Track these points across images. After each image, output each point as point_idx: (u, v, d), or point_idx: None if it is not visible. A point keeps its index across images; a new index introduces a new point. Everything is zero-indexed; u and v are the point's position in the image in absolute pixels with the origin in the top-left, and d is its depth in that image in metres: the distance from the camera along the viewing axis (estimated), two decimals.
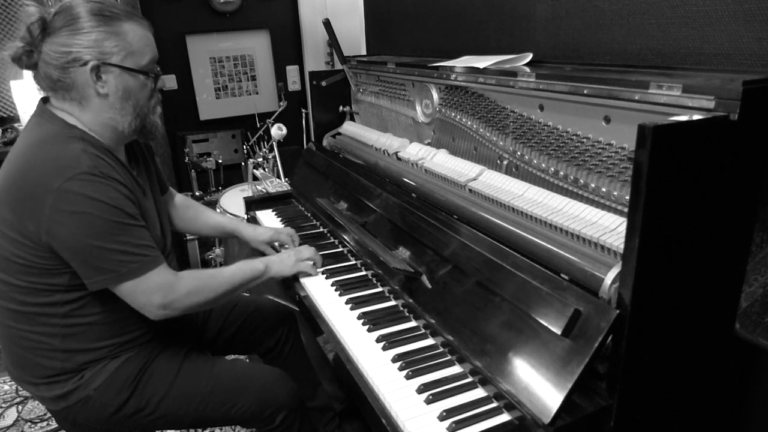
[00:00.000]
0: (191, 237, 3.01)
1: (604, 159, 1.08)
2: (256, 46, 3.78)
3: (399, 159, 1.73)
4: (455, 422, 0.97)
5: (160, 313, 1.22)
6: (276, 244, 1.74)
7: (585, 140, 1.12)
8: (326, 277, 1.53)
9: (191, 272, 1.31)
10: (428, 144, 1.69)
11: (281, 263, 1.49)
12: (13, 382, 2.41)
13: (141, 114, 1.26)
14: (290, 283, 1.56)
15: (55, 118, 1.21)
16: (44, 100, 1.25)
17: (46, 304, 1.21)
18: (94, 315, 1.25)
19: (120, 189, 1.17)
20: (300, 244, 1.71)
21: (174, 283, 1.23)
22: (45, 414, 2.23)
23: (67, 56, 1.15)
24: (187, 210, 1.70)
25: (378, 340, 1.23)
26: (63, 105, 1.21)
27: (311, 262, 1.55)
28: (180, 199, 1.71)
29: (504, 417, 0.99)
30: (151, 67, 1.25)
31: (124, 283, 1.17)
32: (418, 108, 1.74)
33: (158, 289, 1.20)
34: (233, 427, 2.06)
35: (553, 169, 1.21)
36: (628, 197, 0.85)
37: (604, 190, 1.08)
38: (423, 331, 1.26)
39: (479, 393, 1.05)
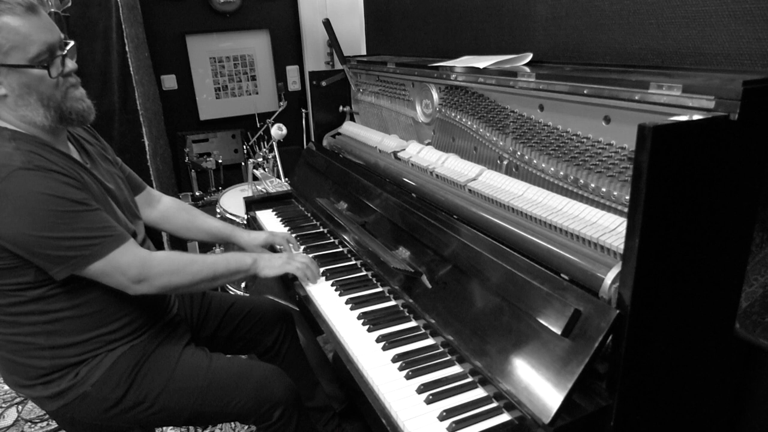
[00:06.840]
0: None
1: (604, 159, 1.08)
2: (256, 46, 3.78)
3: (398, 159, 1.73)
4: (455, 422, 0.97)
5: (137, 288, 1.23)
6: (277, 247, 1.73)
7: (585, 140, 1.12)
8: (326, 278, 1.53)
9: (169, 252, 1.30)
10: (428, 144, 1.69)
11: (270, 261, 1.47)
12: None
13: (51, 105, 1.19)
14: (290, 283, 1.56)
15: None
16: None
17: (19, 303, 1.21)
18: (71, 308, 1.24)
19: (59, 179, 1.14)
20: (300, 245, 1.70)
21: (147, 257, 1.23)
22: (45, 414, 2.23)
23: None
24: (180, 213, 1.68)
25: (378, 340, 1.23)
26: None
27: (299, 265, 1.49)
28: (170, 201, 1.69)
29: (504, 417, 0.99)
30: (42, 57, 1.15)
31: (92, 265, 1.17)
32: (418, 108, 1.74)
33: (131, 264, 1.20)
34: (231, 424, 2.06)
35: (553, 169, 1.21)
36: (628, 197, 0.85)
37: (604, 190, 1.08)
38: (423, 331, 1.26)
39: (479, 393, 1.05)
